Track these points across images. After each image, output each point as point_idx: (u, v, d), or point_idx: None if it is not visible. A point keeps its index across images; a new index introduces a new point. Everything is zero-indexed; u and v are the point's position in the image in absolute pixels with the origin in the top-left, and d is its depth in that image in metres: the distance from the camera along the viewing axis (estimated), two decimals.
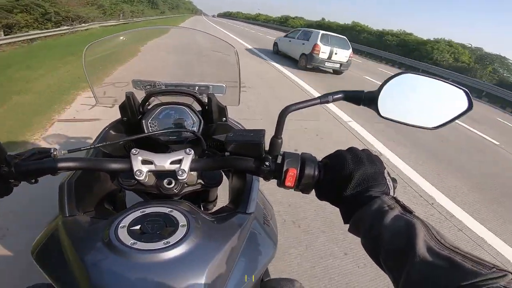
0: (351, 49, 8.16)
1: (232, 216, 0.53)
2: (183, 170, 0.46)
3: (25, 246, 0.89)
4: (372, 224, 0.36)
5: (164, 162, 0.47)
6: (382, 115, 0.46)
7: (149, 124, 0.75)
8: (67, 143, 2.50)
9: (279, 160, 0.45)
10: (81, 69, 0.82)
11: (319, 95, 0.46)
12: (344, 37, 8.57)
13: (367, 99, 0.46)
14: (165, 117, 0.76)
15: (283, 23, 41.05)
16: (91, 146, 0.57)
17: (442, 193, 2.80)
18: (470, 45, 18.46)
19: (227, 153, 0.49)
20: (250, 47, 11.43)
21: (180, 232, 0.41)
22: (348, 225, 0.41)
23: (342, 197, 0.41)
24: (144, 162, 0.47)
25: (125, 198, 0.81)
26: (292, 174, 0.43)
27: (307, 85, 6.18)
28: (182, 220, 0.43)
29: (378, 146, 3.62)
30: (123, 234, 0.40)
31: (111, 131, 0.79)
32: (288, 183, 0.44)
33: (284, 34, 10.97)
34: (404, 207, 0.37)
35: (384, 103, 0.45)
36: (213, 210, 0.88)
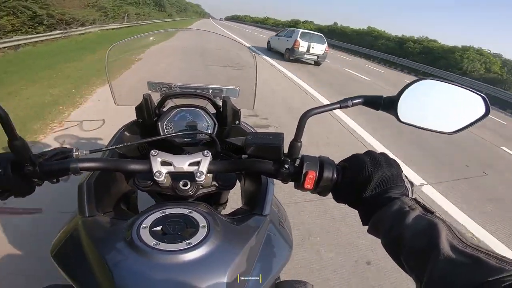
0: (326, 44, 9.98)
1: (249, 218, 0.53)
2: (201, 172, 0.47)
3: None
4: (393, 224, 0.37)
5: (183, 163, 0.48)
6: (402, 120, 0.47)
7: (164, 126, 0.76)
8: None
9: (297, 163, 0.46)
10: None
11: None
12: (321, 34, 10.62)
13: (386, 104, 0.46)
14: (180, 119, 0.78)
15: (292, 27, 39.80)
16: (112, 147, 0.59)
17: None
18: (498, 55, 16.83)
19: (244, 156, 0.50)
20: (248, 45, 12.72)
21: (201, 233, 0.41)
22: (366, 227, 0.42)
23: (361, 199, 0.42)
24: (163, 163, 0.48)
25: (137, 199, 0.79)
26: (311, 176, 0.44)
27: (289, 72, 7.66)
28: (202, 221, 0.43)
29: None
30: (145, 235, 0.40)
31: (126, 132, 0.80)
32: (307, 186, 0.45)
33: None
34: (425, 208, 0.38)
35: (404, 108, 0.46)
36: (228, 212, 0.78)
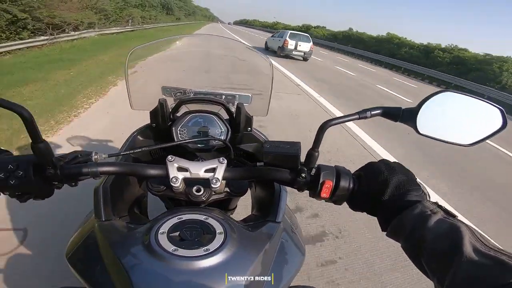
0: (311, 43, 11.99)
1: (263, 224, 0.52)
2: (217, 178, 0.47)
3: None
4: (414, 227, 0.36)
5: (199, 170, 0.48)
6: (421, 132, 0.46)
7: (178, 132, 0.76)
8: None
9: (313, 172, 0.47)
10: None
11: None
12: (307, 34, 12.81)
13: (405, 116, 0.46)
14: (194, 124, 0.78)
15: (304, 33, 37.86)
16: (130, 152, 0.61)
17: None
18: None
19: (259, 163, 0.51)
20: (250, 46, 13.95)
21: (218, 239, 0.41)
22: (385, 232, 0.42)
23: (379, 205, 0.42)
24: (180, 169, 0.48)
25: (147, 203, 0.79)
26: (328, 186, 0.44)
27: (279, 65, 8.67)
28: (218, 227, 0.43)
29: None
30: (163, 240, 0.40)
31: (139, 136, 0.80)
32: (323, 195, 0.45)
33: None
34: (447, 211, 0.37)
35: (423, 120, 0.45)
36: (234, 215, 0.86)
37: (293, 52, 11.51)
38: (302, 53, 11.62)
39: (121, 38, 11.44)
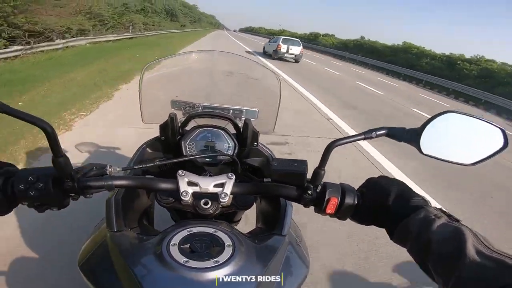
0: (301, 46, 13.99)
1: (269, 237, 0.54)
2: (226, 193, 0.49)
3: None
4: (420, 232, 0.37)
5: (208, 185, 0.50)
6: (424, 152, 0.47)
7: (187, 146, 0.78)
8: None
9: (319, 189, 0.49)
10: None
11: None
12: (298, 39, 15.23)
13: (408, 136, 0.48)
14: (202, 139, 0.80)
15: (312, 41, 36.00)
16: (144, 166, 0.62)
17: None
18: None
19: (266, 179, 0.57)
20: (251, 50, 17.35)
21: (227, 252, 0.42)
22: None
23: (384, 215, 0.43)
24: (190, 183, 0.50)
25: (153, 214, 0.81)
26: (333, 202, 0.46)
27: (272, 65, 10.30)
28: (227, 240, 0.44)
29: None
30: (175, 252, 0.41)
31: (147, 149, 0.82)
32: (328, 211, 0.47)
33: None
34: (450, 216, 0.38)
35: (427, 140, 0.46)
36: (238, 227, 0.86)
37: (285, 55, 13.46)
38: (293, 55, 13.63)
39: (116, 47, 10.25)
